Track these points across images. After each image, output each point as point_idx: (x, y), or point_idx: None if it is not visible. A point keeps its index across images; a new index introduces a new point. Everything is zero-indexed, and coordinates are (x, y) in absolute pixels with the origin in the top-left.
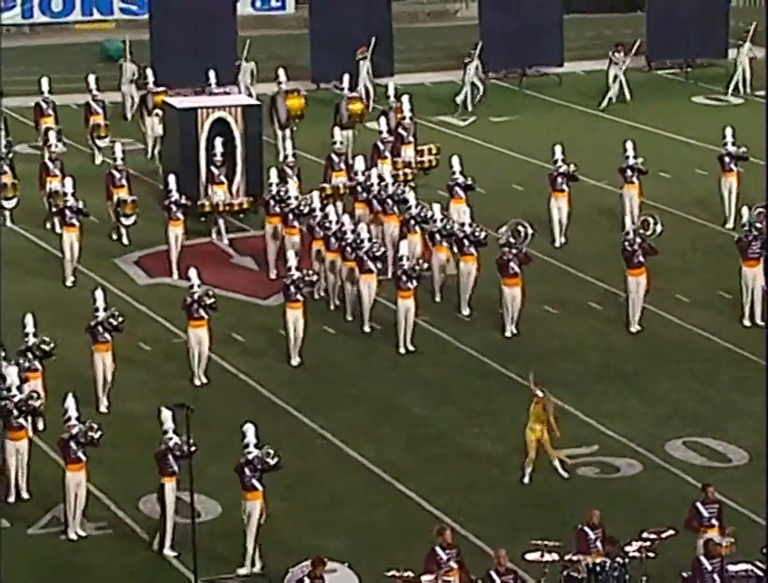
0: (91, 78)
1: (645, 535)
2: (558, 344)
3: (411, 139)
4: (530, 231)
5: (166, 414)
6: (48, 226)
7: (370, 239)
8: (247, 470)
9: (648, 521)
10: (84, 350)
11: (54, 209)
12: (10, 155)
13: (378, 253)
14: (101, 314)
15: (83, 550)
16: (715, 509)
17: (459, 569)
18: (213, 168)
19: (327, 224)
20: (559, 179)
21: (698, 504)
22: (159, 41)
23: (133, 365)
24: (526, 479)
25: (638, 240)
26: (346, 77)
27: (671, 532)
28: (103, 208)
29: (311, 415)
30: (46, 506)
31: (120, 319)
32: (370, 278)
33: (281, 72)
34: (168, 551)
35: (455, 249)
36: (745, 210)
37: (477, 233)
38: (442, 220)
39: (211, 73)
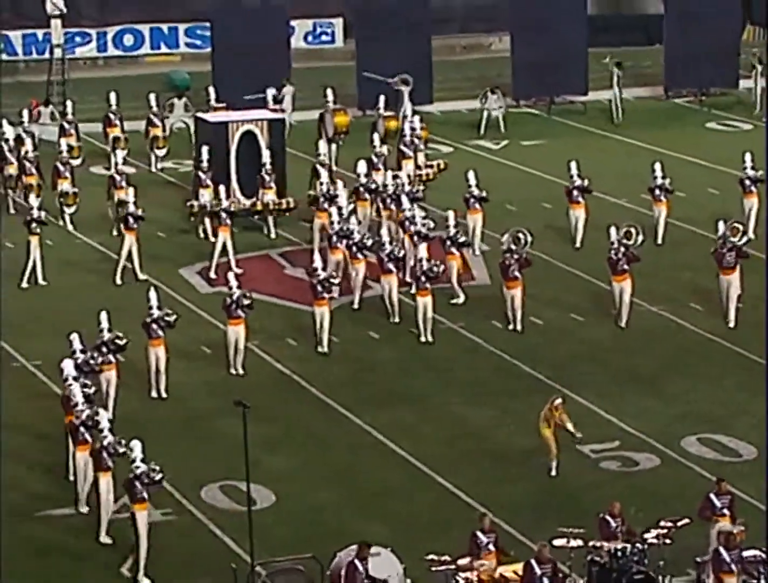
0: (152, 96)
1: (662, 523)
2: (582, 348)
3: (411, 154)
4: (530, 238)
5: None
6: (114, 232)
7: (391, 242)
8: (137, 484)
9: (665, 510)
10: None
11: (119, 216)
12: (72, 163)
13: (400, 255)
14: (155, 312)
15: (151, 534)
16: (727, 500)
17: (497, 553)
18: (264, 175)
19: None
20: (575, 192)
21: (711, 495)
22: (220, 73)
23: (194, 366)
24: (553, 473)
25: (622, 249)
26: (381, 98)
27: (686, 521)
28: (165, 219)
29: (359, 413)
30: (117, 493)
31: (173, 316)
32: (391, 278)
33: (329, 91)
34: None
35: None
36: (720, 224)
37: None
38: (456, 226)
39: (269, 91)
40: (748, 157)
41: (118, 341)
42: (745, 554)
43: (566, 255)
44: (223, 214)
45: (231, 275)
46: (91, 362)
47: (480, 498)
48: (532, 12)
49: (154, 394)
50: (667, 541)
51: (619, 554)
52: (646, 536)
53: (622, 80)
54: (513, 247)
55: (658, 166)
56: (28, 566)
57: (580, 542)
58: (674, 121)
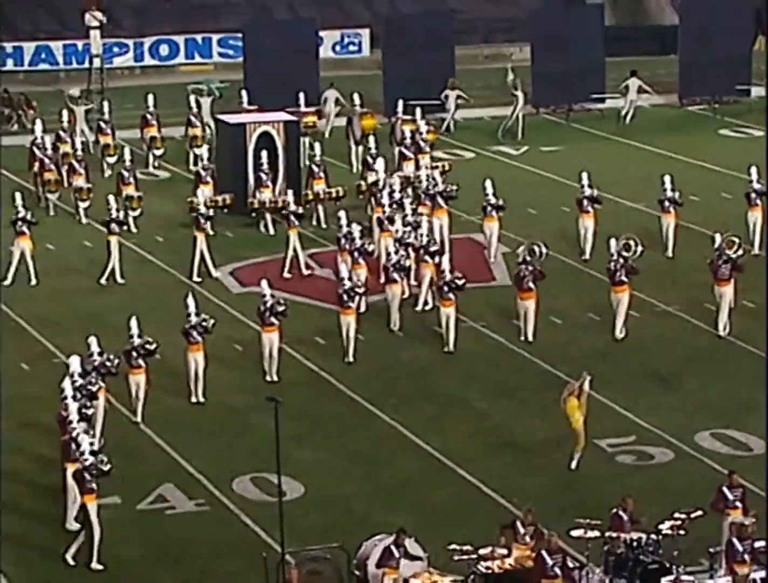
0: (192, 98)
1: (676, 515)
2: (599, 347)
3: (411, 155)
4: (544, 250)
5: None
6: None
7: (396, 251)
8: (86, 476)
9: (679, 502)
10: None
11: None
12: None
13: (406, 264)
14: (193, 319)
15: (185, 524)
16: (738, 493)
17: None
18: (261, 174)
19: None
20: (585, 202)
21: (724, 488)
22: (251, 81)
23: (227, 363)
24: (573, 465)
25: (621, 261)
26: (356, 95)
27: (700, 512)
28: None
29: (383, 408)
30: (153, 485)
31: (211, 322)
32: (395, 287)
33: (356, 96)
34: (95, 564)
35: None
36: (717, 236)
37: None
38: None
39: (301, 95)
40: (753, 170)
41: (147, 346)
42: (757, 544)
43: (599, 261)
44: (292, 216)
45: (264, 283)
46: (89, 386)
47: (500, 490)
48: (552, 23)
49: (193, 399)
50: (681, 532)
51: (635, 544)
52: (660, 526)
53: (642, 86)
54: (528, 258)
55: (668, 178)
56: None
57: (596, 533)
58: (688, 127)
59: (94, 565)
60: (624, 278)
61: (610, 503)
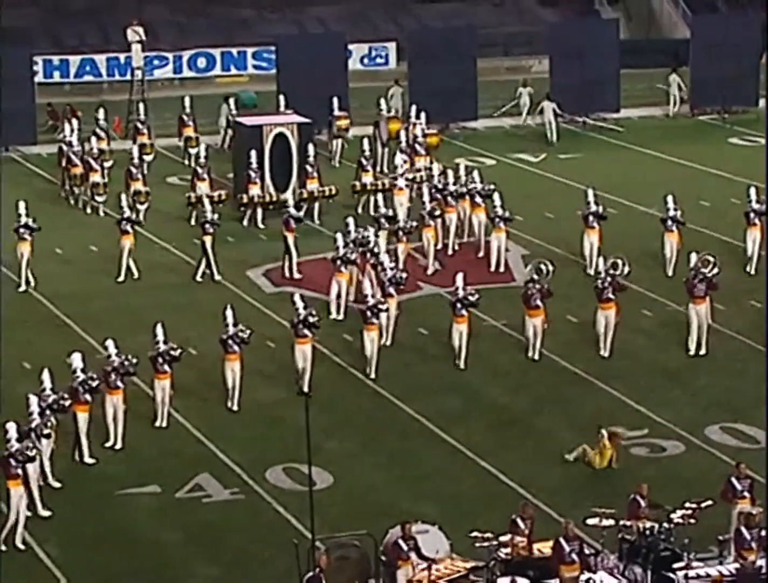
0: (226, 107)
1: (687, 504)
2: (616, 345)
3: (407, 158)
4: (551, 268)
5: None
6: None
7: (392, 268)
8: (12, 461)
9: (690, 492)
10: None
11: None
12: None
13: (402, 279)
14: (231, 329)
15: (220, 512)
16: (747, 484)
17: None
18: (250, 171)
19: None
20: (590, 218)
21: (733, 479)
22: (285, 92)
23: (260, 359)
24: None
25: (608, 279)
26: (382, 101)
27: (710, 502)
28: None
29: (409, 402)
30: (190, 475)
31: (248, 333)
32: (392, 302)
33: (382, 101)
34: (19, 543)
35: None
36: (693, 255)
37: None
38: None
39: (335, 99)
40: (752, 190)
41: (173, 352)
42: (764, 533)
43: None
44: (291, 220)
45: (297, 297)
46: (61, 402)
47: (520, 481)
48: (570, 37)
49: (229, 404)
50: (692, 521)
51: (648, 532)
52: (672, 515)
53: (555, 110)
54: (535, 277)
55: (670, 198)
56: None
57: (611, 522)
58: (699, 136)
59: (17, 544)
60: (611, 296)
61: (624, 493)
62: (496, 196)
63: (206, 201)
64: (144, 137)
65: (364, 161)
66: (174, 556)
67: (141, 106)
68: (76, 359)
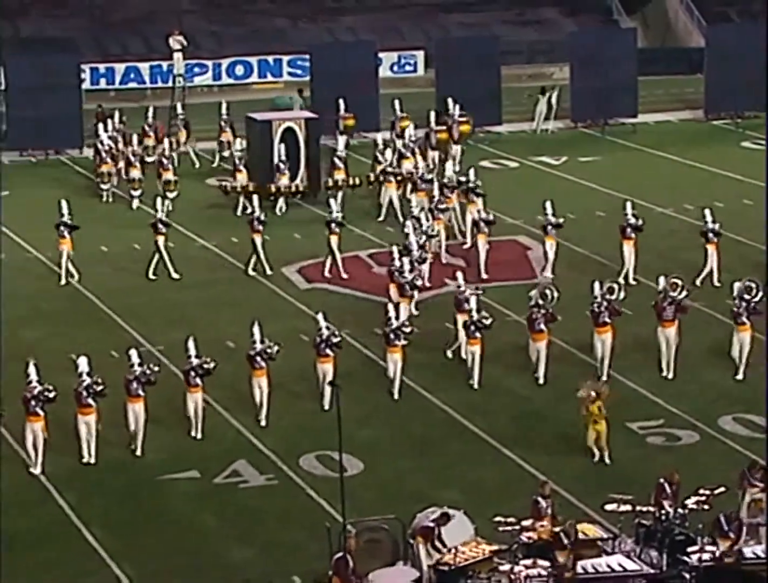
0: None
1: (701, 491)
2: (630, 339)
3: (409, 155)
4: (556, 294)
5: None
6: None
7: (411, 270)
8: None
9: (704, 480)
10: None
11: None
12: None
13: (419, 283)
14: (258, 346)
15: (256, 497)
16: (759, 475)
17: (552, 518)
18: (236, 161)
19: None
20: (628, 230)
21: (746, 470)
22: (318, 97)
23: (294, 352)
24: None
25: (605, 303)
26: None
27: (722, 489)
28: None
29: (435, 393)
30: (228, 461)
31: (275, 349)
32: (406, 301)
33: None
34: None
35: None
36: (661, 279)
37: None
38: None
39: (341, 101)
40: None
41: (206, 366)
42: (761, 519)
43: (615, 256)
44: (333, 225)
45: (320, 316)
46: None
47: (542, 468)
48: (589, 46)
49: (259, 418)
50: (706, 507)
51: (663, 518)
52: (686, 502)
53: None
54: (540, 302)
55: (708, 211)
56: None
57: (629, 507)
58: (713, 140)
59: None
60: (607, 319)
61: (641, 480)
62: (548, 204)
63: (255, 198)
64: (168, 173)
65: (378, 155)
66: (211, 538)
67: (179, 104)
68: (82, 364)
